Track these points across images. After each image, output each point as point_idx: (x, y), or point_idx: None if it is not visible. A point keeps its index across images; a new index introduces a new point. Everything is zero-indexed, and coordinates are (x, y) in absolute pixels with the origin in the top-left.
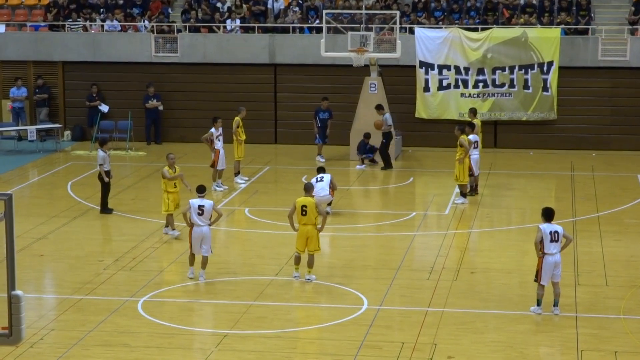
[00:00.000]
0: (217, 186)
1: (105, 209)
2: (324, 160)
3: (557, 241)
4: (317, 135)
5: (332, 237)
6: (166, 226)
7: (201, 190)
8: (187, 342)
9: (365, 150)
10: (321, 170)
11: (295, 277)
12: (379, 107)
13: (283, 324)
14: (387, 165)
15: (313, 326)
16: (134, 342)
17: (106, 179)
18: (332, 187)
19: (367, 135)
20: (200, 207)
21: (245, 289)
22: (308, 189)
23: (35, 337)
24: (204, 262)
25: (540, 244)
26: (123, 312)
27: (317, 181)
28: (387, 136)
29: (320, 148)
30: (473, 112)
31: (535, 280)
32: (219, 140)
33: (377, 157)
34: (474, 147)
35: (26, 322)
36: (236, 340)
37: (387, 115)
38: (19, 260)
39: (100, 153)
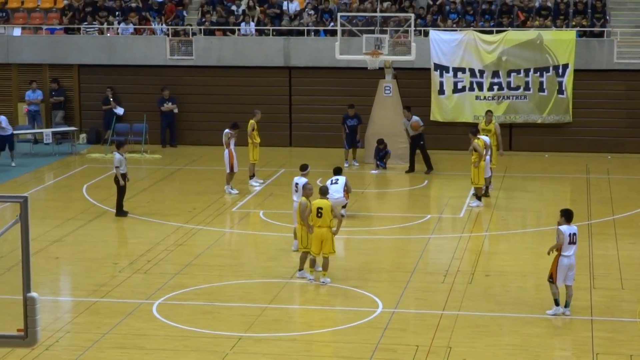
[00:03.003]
0: (232, 189)
1: (120, 211)
2: (347, 165)
3: (574, 243)
4: (345, 142)
5: (346, 240)
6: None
7: (324, 192)
8: (202, 344)
9: (380, 156)
10: (337, 171)
11: (310, 279)
12: (407, 109)
13: (298, 327)
14: (429, 166)
15: (328, 329)
16: (149, 345)
17: (122, 182)
18: (347, 190)
19: (381, 142)
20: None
21: (260, 291)
22: (323, 192)
23: (51, 340)
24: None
25: (560, 245)
26: (138, 315)
27: (331, 183)
28: (421, 137)
29: (346, 153)
30: (489, 115)
31: (550, 281)
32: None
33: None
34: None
35: (42, 324)
36: (251, 343)
37: (415, 117)
38: (35, 263)
39: (117, 156)
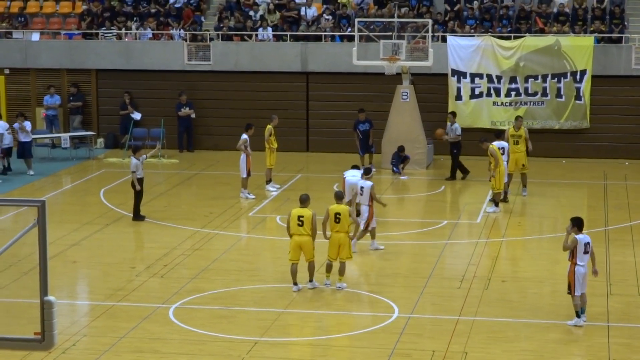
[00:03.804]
0: (249, 194)
1: (137, 216)
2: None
3: (588, 253)
4: (359, 148)
5: (363, 245)
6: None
7: (340, 197)
8: (218, 349)
9: (399, 161)
10: (355, 166)
11: (327, 284)
12: (452, 114)
13: (313, 332)
14: (453, 175)
15: (343, 334)
16: (165, 349)
17: (137, 187)
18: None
19: (402, 149)
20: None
21: (276, 296)
22: (339, 197)
23: (68, 343)
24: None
25: (573, 253)
26: (154, 319)
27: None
28: (456, 146)
29: (362, 160)
30: (519, 121)
31: (569, 293)
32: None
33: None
34: (501, 154)
35: (58, 328)
36: (267, 348)
37: (457, 124)
38: (52, 267)
39: (133, 160)
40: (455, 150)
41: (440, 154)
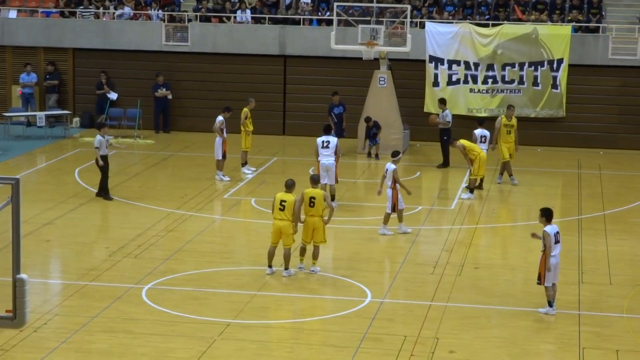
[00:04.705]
0: (223, 176)
1: (101, 192)
2: (402, 153)
3: (559, 242)
4: (334, 131)
5: (337, 230)
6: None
7: (316, 180)
8: (190, 330)
9: (370, 135)
10: (327, 129)
11: (300, 268)
12: (441, 101)
13: (286, 315)
14: (445, 163)
15: (316, 317)
16: (137, 329)
17: (100, 163)
18: (337, 152)
19: (368, 119)
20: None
21: (250, 278)
22: (315, 180)
23: (39, 322)
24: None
25: (550, 247)
26: (127, 299)
27: (322, 146)
28: (446, 132)
29: None
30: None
31: (539, 283)
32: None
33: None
34: (481, 142)
35: (30, 306)
36: (239, 330)
37: (447, 111)
38: (25, 245)
39: (98, 137)
40: (445, 137)
41: (417, 139)
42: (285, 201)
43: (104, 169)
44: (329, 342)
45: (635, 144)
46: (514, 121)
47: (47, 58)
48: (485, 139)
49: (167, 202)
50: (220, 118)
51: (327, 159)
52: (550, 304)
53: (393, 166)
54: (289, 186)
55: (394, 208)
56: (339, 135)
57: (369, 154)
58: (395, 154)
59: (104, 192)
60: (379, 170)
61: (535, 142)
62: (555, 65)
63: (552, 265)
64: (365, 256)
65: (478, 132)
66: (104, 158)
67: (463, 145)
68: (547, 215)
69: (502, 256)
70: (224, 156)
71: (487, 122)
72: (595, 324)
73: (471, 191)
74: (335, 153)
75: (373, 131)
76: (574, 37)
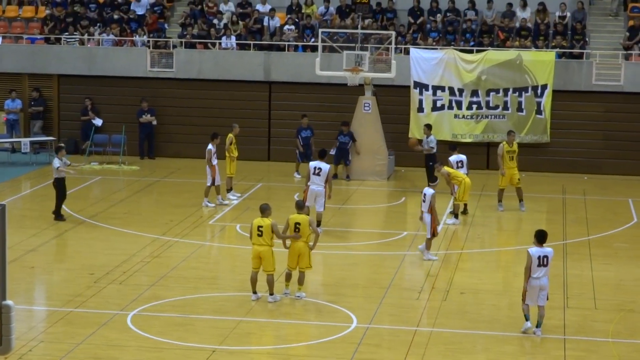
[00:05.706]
0: (209, 202)
1: (58, 215)
2: (299, 176)
3: (545, 265)
4: (298, 154)
5: (323, 255)
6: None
7: (301, 206)
8: (176, 356)
9: (341, 148)
10: (322, 154)
11: (286, 293)
12: (427, 127)
13: (272, 341)
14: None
15: (302, 343)
16: (123, 356)
17: (52, 181)
18: (328, 180)
19: (345, 123)
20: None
21: (235, 304)
22: (300, 206)
23: (25, 349)
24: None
25: (528, 268)
26: (112, 326)
27: (314, 172)
28: (432, 158)
29: (297, 166)
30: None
31: (522, 300)
32: (215, 157)
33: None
34: (458, 167)
35: (16, 333)
36: (225, 356)
37: (432, 137)
38: (10, 272)
39: (55, 160)
40: (431, 163)
41: (402, 165)
42: (262, 226)
43: (61, 193)
44: None
45: (619, 169)
46: (515, 146)
47: (32, 84)
48: (462, 164)
49: (152, 228)
50: (210, 147)
51: (317, 186)
52: (526, 318)
53: (432, 191)
54: (264, 210)
55: (434, 233)
56: (304, 159)
57: (336, 176)
58: (433, 179)
59: (55, 214)
60: (365, 196)
61: (520, 168)
62: (539, 91)
63: (532, 287)
64: (350, 282)
65: (453, 158)
66: (61, 181)
67: (448, 172)
68: (537, 236)
69: (487, 281)
70: (213, 182)
71: (460, 147)
72: (581, 348)
73: (456, 216)
74: (327, 181)
75: (345, 141)
76: (558, 63)
